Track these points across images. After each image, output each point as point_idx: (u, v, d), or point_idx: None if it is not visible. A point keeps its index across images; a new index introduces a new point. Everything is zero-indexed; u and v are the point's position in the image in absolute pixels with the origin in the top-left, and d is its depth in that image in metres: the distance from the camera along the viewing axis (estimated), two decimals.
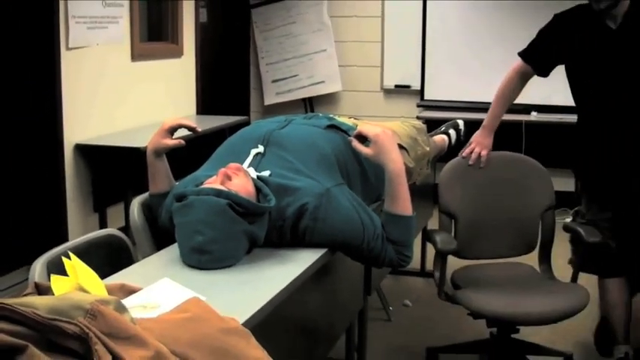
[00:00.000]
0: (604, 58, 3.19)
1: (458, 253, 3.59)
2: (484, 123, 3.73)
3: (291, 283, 2.20)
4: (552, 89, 4.91)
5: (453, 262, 3.63)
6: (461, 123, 4.26)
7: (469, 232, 3.66)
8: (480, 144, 3.66)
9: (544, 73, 3.58)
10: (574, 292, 3.35)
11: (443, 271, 3.36)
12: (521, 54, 3.62)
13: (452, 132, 4.16)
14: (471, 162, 3.64)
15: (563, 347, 3.88)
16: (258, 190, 2.42)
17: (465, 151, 3.68)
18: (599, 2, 3.09)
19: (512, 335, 3.51)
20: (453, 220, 3.66)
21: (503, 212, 3.69)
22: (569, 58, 3.41)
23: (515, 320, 3.33)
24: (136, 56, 5.97)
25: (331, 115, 3.16)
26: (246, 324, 1.78)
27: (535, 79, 3.65)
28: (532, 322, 3.35)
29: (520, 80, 3.64)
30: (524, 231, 3.70)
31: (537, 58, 3.55)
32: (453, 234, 3.63)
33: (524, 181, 3.71)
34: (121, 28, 5.72)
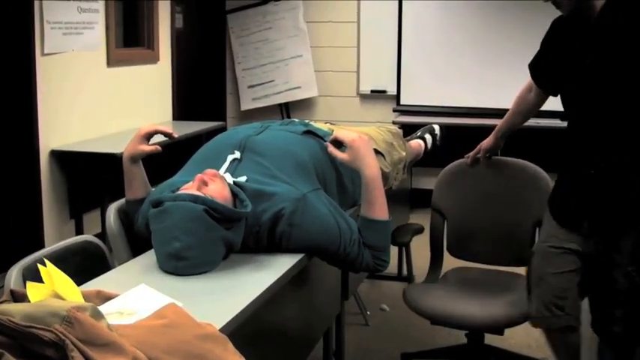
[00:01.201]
0: (582, 60, 2.87)
1: (450, 251, 3.69)
2: (500, 130, 3.53)
3: (268, 288, 2.20)
4: None
5: (452, 262, 3.70)
6: (437, 128, 4.27)
7: (457, 234, 3.74)
8: (481, 146, 3.62)
9: (550, 91, 3.15)
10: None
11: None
12: (529, 66, 3.21)
13: (428, 137, 4.17)
14: (469, 163, 3.67)
15: (540, 353, 3.90)
16: (234, 195, 2.43)
17: (470, 153, 3.67)
18: (560, 8, 2.82)
19: (488, 342, 3.53)
20: (444, 220, 3.75)
21: (490, 220, 3.72)
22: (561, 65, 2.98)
23: (449, 321, 3.36)
24: (111, 62, 5.95)
25: (307, 121, 3.16)
26: (223, 330, 1.78)
27: None
28: (464, 326, 3.42)
29: (533, 95, 3.25)
30: (514, 241, 3.64)
31: (539, 75, 3.15)
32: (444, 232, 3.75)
33: (521, 192, 3.66)
34: (96, 34, 5.70)
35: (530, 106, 3.30)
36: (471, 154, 3.68)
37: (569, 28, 2.85)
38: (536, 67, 3.14)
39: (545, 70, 3.07)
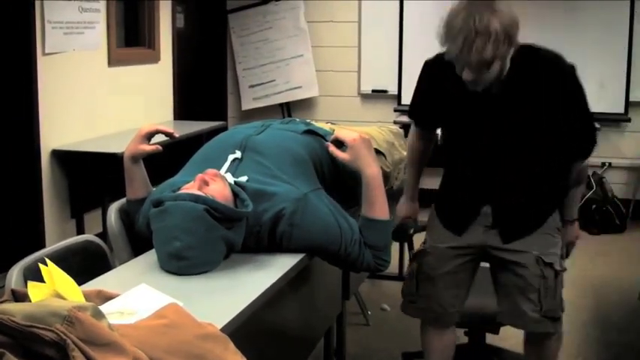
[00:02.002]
0: (481, 117, 2.88)
1: None
2: (409, 194, 3.38)
3: (268, 288, 2.20)
4: None
5: None
6: None
7: None
8: (409, 215, 3.40)
9: (427, 127, 3.20)
10: None
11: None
12: (409, 110, 3.23)
13: None
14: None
15: None
16: (235, 195, 2.43)
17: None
18: (475, 86, 2.74)
19: (489, 342, 3.53)
20: None
21: None
22: (444, 105, 3.00)
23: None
24: (112, 62, 5.95)
25: (308, 121, 3.16)
26: (224, 329, 1.78)
27: None
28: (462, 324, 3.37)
29: (422, 141, 3.23)
30: None
31: (418, 113, 3.16)
32: None
33: None
34: (97, 34, 5.70)
35: (422, 153, 3.25)
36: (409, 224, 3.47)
37: (446, 69, 2.80)
38: (416, 107, 3.15)
39: (426, 109, 3.09)
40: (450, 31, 2.63)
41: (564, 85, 2.80)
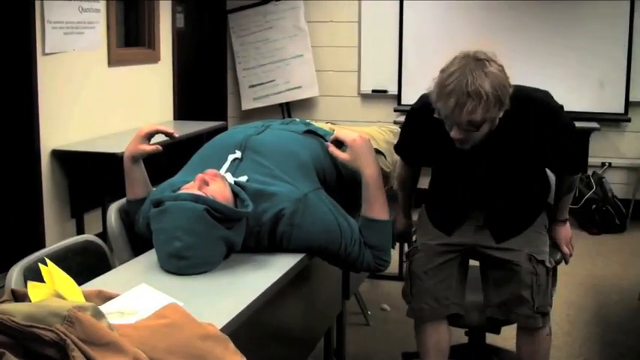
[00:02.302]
0: (469, 161, 2.96)
1: None
2: (403, 213, 3.53)
3: (269, 288, 2.20)
4: None
5: None
6: None
7: None
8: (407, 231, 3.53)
9: (414, 165, 3.34)
10: None
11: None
12: (395, 148, 3.32)
13: None
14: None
15: None
16: (235, 195, 2.43)
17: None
18: (463, 144, 2.81)
19: (489, 342, 3.53)
20: None
21: None
22: (431, 151, 3.09)
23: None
24: (112, 62, 5.95)
25: (308, 121, 3.17)
26: (224, 330, 1.78)
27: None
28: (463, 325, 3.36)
29: (409, 172, 3.36)
30: None
31: (406, 154, 3.27)
32: None
33: None
34: (97, 34, 5.70)
35: (411, 179, 3.39)
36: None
37: (430, 117, 2.83)
38: (404, 149, 3.25)
39: (413, 153, 3.21)
40: (442, 90, 2.67)
41: (554, 126, 2.90)
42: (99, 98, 5.80)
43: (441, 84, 2.69)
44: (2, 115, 4.99)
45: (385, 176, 3.09)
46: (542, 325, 3.00)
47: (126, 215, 2.84)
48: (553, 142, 2.91)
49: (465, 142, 2.78)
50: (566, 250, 3.28)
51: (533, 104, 2.88)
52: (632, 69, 6.93)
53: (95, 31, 5.66)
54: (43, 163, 5.15)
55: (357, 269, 2.66)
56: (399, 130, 3.58)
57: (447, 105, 2.64)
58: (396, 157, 3.47)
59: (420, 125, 3.03)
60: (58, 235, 5.19)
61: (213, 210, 2.24)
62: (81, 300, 1.72)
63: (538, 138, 2.89)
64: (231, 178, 2.50)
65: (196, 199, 2.25)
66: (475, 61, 2.69)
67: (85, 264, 2.48)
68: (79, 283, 1.85)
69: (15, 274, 2.20)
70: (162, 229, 2.28)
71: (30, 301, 1.61)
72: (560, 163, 3.05)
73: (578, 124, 7.19)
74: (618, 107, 6.99)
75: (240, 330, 1.95)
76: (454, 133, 2.73)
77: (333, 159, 2.74)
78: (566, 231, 3.29)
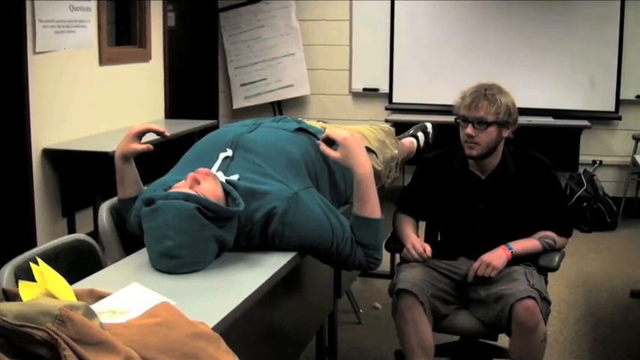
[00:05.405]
0: (471, 205, 3.32)
1: None
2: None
3: (260, 286, 2.20)
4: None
5: None
6: (429, 126, 4.28)
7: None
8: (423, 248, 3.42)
9: (420, 217, 3.52)
10: None
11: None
12: (397, 203, 3.56)
13: (420, 135, 4.18)
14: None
15: None
16: (227, 194, 2.42)
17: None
18: (471, 150, 3.22)
19: (482, 339, 3.52)
20: None
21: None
22: (436, 200, 3.40)
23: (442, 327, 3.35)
24: (104, 60, 5.94)
25: (299, 119, 3.16)
26: (216, 328, 1.79)
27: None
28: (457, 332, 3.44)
29: (410, 221, 3.48)
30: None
31: (411, 209, 3.49)
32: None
33: None
34: (88, 33, 5.69)
35: (412, 224, 3.49)
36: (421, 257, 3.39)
37: (448, 169, 3.38)
38: (408, 203, 3.52)
39: (418, 205, 3.48)
40: (463, 95, 3.22)
41: (548, 179, 3.33)
42: (90, 97, 5.78)
43: (463, 94, 3.22)
44: None
45: (376, 175, 3.09)
46: (537, 300, 2.98)
47: (117, 214, 2.84)
48: (546, 195, 3.29)
49: (475, 144, 3.19)
50: (476, 265, 3.18)
51: (529, 160, 3.32)
52: (622, 67, 6.95)
53: (86, 30, 5.65)
54: (34, 162, 5.14)
55: (349, 267, 2.67)
56: (391, 128, 3.61)
57: (465, 101, 3.18)
58: (388, 156, 3.48)
59: (429, 175, 3.42)
60: (50, 234, 5.17)
61: (204, 209, 2.24)
62: (72, 299, 1.71)
63: (533, 192, 3.27)
64: (222, 177, 2.50)
65: (188, 197, 2.24)
66: (492, 84, 3.24)
67: (76, 263, 2.48)
68: (71, 282, 1.85)
69: (6, 273, 2.20)
70: (154, 228, 2.28)
71: (21, 300, 1.61)
72: (550, 220, 3.31)
73: (569, 122, 7.22)
74: (609, 105, 7.01)
75: (232, 328, 1.95)
76: (468, 130, 3.17)
77: (324, 157, 2.74)
78: (499, 258, 3.17)
